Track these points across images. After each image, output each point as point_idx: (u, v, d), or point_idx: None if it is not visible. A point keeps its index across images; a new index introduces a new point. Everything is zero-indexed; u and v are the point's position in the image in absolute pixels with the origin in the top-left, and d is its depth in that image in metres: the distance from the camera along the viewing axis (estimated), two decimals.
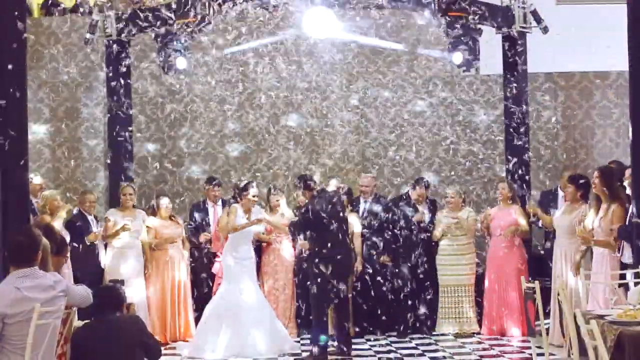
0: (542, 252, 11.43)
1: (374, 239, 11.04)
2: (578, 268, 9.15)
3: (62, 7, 14.05)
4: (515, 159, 11.40)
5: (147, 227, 10.81)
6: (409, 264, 10.95)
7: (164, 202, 10.99)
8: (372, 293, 10.98)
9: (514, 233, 10.71)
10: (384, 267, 11.01)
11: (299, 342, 10.58)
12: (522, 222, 10.79)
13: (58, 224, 9.44)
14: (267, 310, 10.26)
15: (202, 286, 11.17)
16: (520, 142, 11.46)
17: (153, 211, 11.00)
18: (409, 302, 10.97)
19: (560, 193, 11.09)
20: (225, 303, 10.11)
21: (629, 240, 8.18)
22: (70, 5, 14.45)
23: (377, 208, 11.19)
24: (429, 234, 11.12)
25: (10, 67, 7.05)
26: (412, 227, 11.01)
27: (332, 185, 10.92)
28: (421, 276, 10.97)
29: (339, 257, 9.52)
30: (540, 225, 11.20)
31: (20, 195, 7.10)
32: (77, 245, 10.18)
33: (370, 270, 10.98)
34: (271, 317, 10.25)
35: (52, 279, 5.67)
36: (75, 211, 10.48)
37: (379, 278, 10.97)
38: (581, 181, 9.69)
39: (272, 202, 11.12)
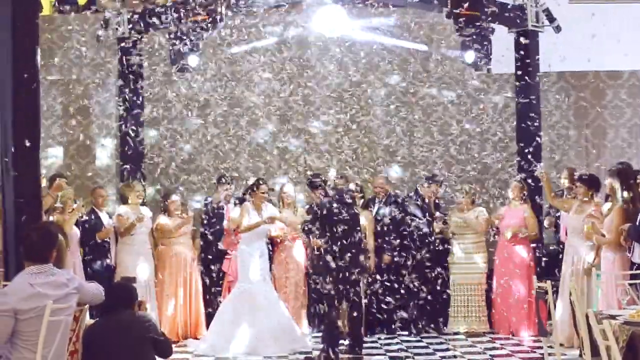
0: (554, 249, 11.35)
1: (386, 238, 11.02)
2: (590, 270, 9.17)
3: (75, 5, 14.08)
4: (526, 159, 11.37)
5: (158, 224, 10.84)
6: (420, 263, 10.94)
7: (174, 199, 11.00)
8: (384, 292, 10.97)
9: (518, 234, 10.71)
10: (396, 266, 11.00)
11: (309, 340, 10.57)
12: (531, 223, 10.78)
13: (70, 223, 9.46)
14: (280, 308, 10.27)
15: (213, 284, 11.16)
16: (531, 142, 11.43)
17: (163, 209, 11.02)
18: (421, 301, 10.96)
19: (565, 193, 11.07)
20: (239, 301, 10.13)
21: (639, 240, 8.19)
22: (82, 2, 14.48)
23: (390, 208, 11.16)
24: (441, 235, 11.12)
25: (22, 65, 7.08)
26: (423, 226, 11.00)
27: (331, 177, 10.85)
28: (433, 275, 10.97)
29: (350, 255, 9.52)
30: (546, 225, 11.16)
31: (33, 192, 7.12)
32: (88, 242, 10.23)
33: (382, 269, 10.96)
34: (284, 315, 10.27)
35: (65, 276, 5.69)
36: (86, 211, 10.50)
37: (390, 277, 10.96)
38: (592, 181, 9.71)
39: (284, 198, 11.14)
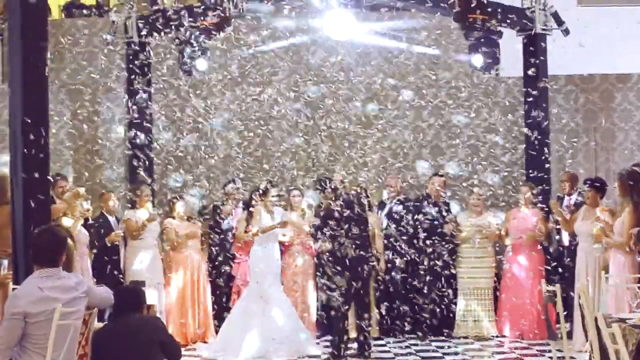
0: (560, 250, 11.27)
1: (396, 240, 11.01)
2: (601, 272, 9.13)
3: (83, 9, 14.13)
4: (535, 162, 11.35)
5: (165, 228, 10.84)
6: (430, 266, 10.93)
7: (180, 203, 11.00)
8: (393, 295, 10.96)
9: (535, 238, 10.70)
10: (405, 269, 10.98)
11: (318, 344, 10.56)
12: (543, 226, 10.76)
13: (76, 226, 9.46)
14: (290, 312, 10.27)
15: (221, 287, 11.16)
16: (540, 145, 11.40)
17: (170, 213, 11.03)
18: (429, 305, 10.95)
19: (566, 197, 11.05)
20: (250, 303, 10.12)
21: None
22: (90, 3, 14.55)
23: (401, 209, 11.14)
24: (453, 238, 11.08)
25: (31, 69, 7.10)
26: (435, 229, 10.98)
27: (337, 178, 10.80)
28: (441, 279, 10.95)
29: (357, 258, 9.52)
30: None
31: (42, 196, 7.12)
32: (98, 246, 10.25)
33: (391, 273, 10.95)
34: (294, 319, 10.26)
35: (74, 280, 5.70)
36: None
37: (399, 280, 10.95)
38: (599, 185, 9.69)
39: (292, 202, 11.13)
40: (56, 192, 9.65)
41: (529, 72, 11.58)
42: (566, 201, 10.96)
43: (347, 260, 9.52)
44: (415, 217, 11.04)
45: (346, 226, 9.54)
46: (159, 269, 10.67)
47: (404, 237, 10.99)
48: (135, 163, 11.38)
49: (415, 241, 10.99)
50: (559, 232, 11.09)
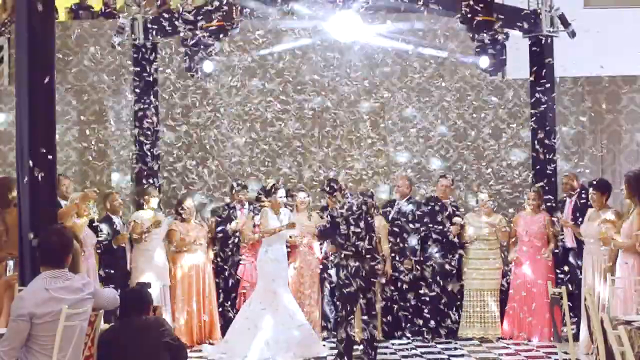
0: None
1: (402, 241, 11.01)
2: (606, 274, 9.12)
3: (91, 11, 14.15)
4: (541, 164, 11.34)
5: (171, 229, 10.85)
6: (436, 267, 10.93)
7: (188, 205, 11.00)
8: (398, 297, 10.95)
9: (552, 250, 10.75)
10: (410, 271, 10.97)
11: (324, 345, 10.56)
12: (551, 231, 10.77)
13: (82, 227, 9.47)
14: (297, 313, 10.26)
15: (228, 289, 11.16)
16: (547, 147, 11.39)
17: (177, 215, 11.03)
18: (435, 306, 10.94)
19: (567, 200, 11.03)
20: (258, 304, 10.12)
21: None
22: (98, 9, 14.55)
23: (408, 210, 11.14)
24: (459, 240, 11.08)
25: (38, 70, 7.11)
26: (442, 230, 10.99)
27: (341, 178, 10.76)
28: (447, 279, 10.95)
29: (362, 262, 9.50)
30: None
31: (49, 197, 7.14)
32: (103, 247, 10.26)
33: (397, 274, 10.94)
34: (301, 321, 10.26)
35: (81, 281, 5.71)
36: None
37: (404, 282, 10.94)
38: (604, 187, 9.68)
39: (297, 204, 11.12)
40: (60, 192, 9.66)
41: (535, 74, 11.55)
42: (567, 204, 10.95)
43: (352, 262, 9.49)
44: (423, 217, 11.05)
45: (350, 229, 9.50)
46: (165, 270, 10.67)
47: (411, 238, 10.99)
48: (141, 165, 11.42)
49: (421, 242, 11.00)
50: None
